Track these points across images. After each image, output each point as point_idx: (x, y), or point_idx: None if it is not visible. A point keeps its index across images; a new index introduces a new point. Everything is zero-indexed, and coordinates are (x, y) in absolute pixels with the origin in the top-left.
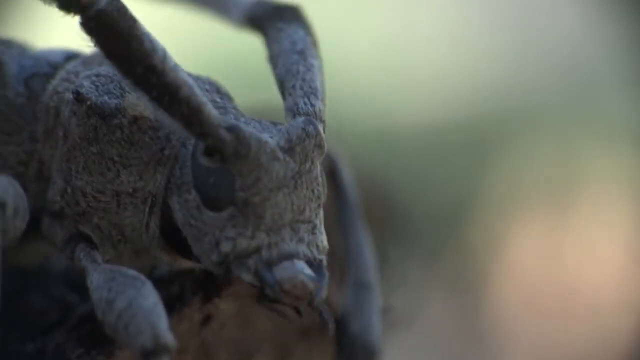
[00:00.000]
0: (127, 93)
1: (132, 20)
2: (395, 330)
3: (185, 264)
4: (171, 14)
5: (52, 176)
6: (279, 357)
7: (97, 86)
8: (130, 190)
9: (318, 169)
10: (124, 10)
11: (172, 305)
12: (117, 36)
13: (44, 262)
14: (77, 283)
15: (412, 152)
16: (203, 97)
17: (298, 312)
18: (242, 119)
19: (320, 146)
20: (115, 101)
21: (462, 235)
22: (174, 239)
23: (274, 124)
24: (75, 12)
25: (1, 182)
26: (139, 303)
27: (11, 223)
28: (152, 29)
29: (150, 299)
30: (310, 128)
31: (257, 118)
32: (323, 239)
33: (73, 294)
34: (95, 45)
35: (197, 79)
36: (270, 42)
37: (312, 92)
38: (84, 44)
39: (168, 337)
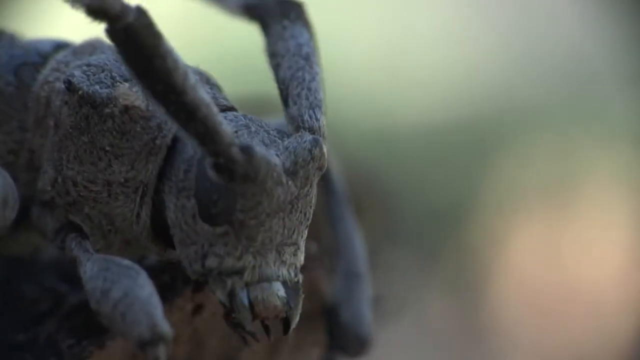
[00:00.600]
0: (118, 82)
1: (158, 37)
2: (387, 320)
3: (175, 254)
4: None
5: (42, 165)
6: (269, 347)
7: (88, 76)
8: (122, 179)
9: (314, 190)
10: (151, 27)
11: (163, 294)
12: (141, 52)
13: (35, 251)
14: (68, 273)
15: (412, 152)
16: (220, 117)
17: (266, 330)
18: (252, 127)
19: (321, 168)
20: (107, 90)
21: (462, 235)
22: (163, 230)
23: (280, 134)
24: (103, 22)
25: None
26: (135, 293)
27: (0, 213)
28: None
29: (146, 288)
30: (316, 151)
31: (261, 121)
32: (302, 258)
33: (64, 284)
34: (118, 54)
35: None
36: (272, 37)
37: (317, 104)
38: (82, 36)
39: (165, 327)
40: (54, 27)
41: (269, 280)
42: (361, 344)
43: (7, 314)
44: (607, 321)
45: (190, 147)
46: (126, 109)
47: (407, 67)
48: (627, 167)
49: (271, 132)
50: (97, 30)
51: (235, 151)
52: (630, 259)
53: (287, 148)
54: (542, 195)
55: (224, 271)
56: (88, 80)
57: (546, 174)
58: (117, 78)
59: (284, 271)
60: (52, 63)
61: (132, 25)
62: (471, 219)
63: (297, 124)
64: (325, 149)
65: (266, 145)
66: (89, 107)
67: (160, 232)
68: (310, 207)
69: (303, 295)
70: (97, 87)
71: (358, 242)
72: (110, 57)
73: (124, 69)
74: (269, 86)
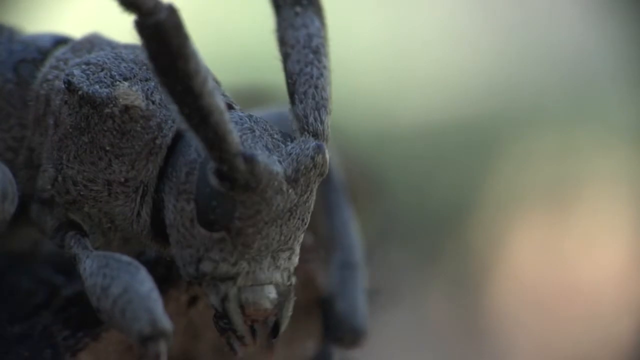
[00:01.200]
0: (117, 82)
1: (185, 38)
2: (382, 312)
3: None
4: None
5: (42, 164)
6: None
7: (87, 75)
8: (122, 179)
9: (314, 196)
10: (180, 27)
11: (159, 286)
12: (167, 51)
13: (33, 246)
14: (64, 265)
15: (412, 151)
16: (230, 125)
17: (253, 333)
18: (256, 130)
19: (322, 174)
20: (106, 90)
21: (462, 235)
22: (163, 229)
23: (284, 137)
24: (134, 14)
25: None
26: (134, 289)
27: (0, 207)
28: None
29: (146, 284)
30: (319, 158)
31: (265, 122)
32: (296, 261)
33: (59, 276)
34: (142, 48)
35: None
36: (283, 22)
37: (323, 104)
38: (83, 30)
39: (165, 322)
40: (54, 21)
41: (261, 284)
42: (356, 334)
43: (3, 306)
44: (607, 321)
45: (194, 150)
46: (126, 108)
47: (407, 67)
48: (627, 167)
49: (275, 135)
50: (96, 24)
51: (239, 161)
52: (630, 259)
53: (290, 154)
54: (542, 195)
55: (217, 276)
56: (88, 79)
57: (546, 174)
58: (117, 77)
59: (277, 275)
60: (50, 60)
61: (162, 22)
62: (471, 218)
63: (302, 126)
64: (327, 156)
65: (269, 150)
66: (89, 107)
67: (160, 230)
68: (309, 212)
69: (295, 298)
70: (97, 86)
71: (354, 232)
72: (109, 55)
73: (123, 67)
74: (266, 73)
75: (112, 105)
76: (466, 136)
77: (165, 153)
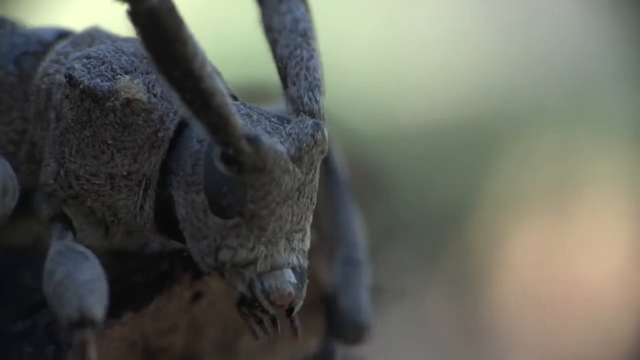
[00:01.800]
0: (118, 75)
1: (179, 22)
2: (385, 310)
3: (177, 243)
4: None
5: (43, 158)
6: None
7: (88, 69)
8: (125, 173)
9: (318, 174)
10: (173, 11)
11: (162, 282)
12: (163, 36)
13: (35, 239)
14: None
15: (413, 152)
16: (232, 107)
17: (274, 323)
18: (253, 115)
19: (323, 152)
20: (108, 84)
21: (463, 235)
22: (167, 222)
23: (281, 120)
24: (126, 2)
25: None
26: (73, 276)
27: (0, 201)
28: None
29: (87, 273)
30: (319, 135)
31: (261, 109)
32: (309, 242)
33: None
34: (138, 37)
35: None
36: (267, 10)
37: (316, 84)
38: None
39: (95, 312)
40: (54, 20)
41: (280, 268)
42: (359, 331)
43: (5, 303)
44: (607, 321)
45: (196, 142)
46: (128, 102)
47: (407, 67)
48: (627, 167)
49: (272, 119)
50: (98, 18)
51: (244, 142)
52: (630, 259)
53: (290, 135)
54: (542, 195)
55: (237, 263)
56: (89, 73)
57: (546, 174)
58: (118, 70)
59: (293, 258)
60: (51, 54)
61: (155, 8)
62: (471, 218)
63: (297, 107)
64: (326, 132)
65: (269, 133)
66: (90, 100)
67: (163, 223)
68: (315, 191)
69: (308, 280)
70: (98, 80)
71: (359, 230)
72: (110, 48)
73: (124, 61)
74: (267, 71)
75: (113, 98)
76: (466, 136)
77: (167, 146)
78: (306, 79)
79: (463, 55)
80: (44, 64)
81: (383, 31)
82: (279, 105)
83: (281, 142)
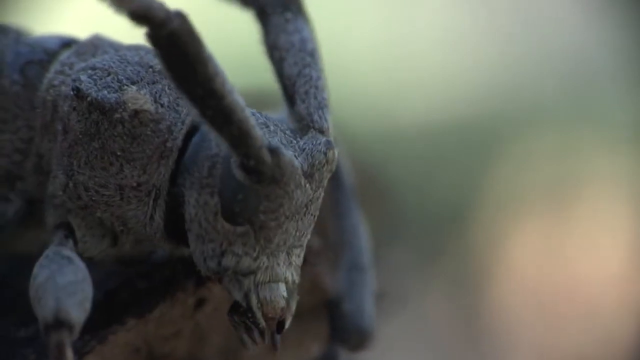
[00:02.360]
0: (125, 86)
1: (200, 43)
2: (388, 315)
3: (187, 251)
4: None
5: (51, 170)
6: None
7: (95, 80)
8: (135, 184)
9: (323, 193)
10: (193, 33)
11: (166, 289)
12: (184, 58)
13: (40, 248)
14: None
15: (413, 152)
16: (252, 119)
17: (262, 334)
18: (270, 126)
19: (331, 171)
20: (115, 95)
21: (463, 235)
22: (176, 230)
23: (294, 133)
24: (146, 27)
25: None
26: (54, 279)
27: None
28: None
29: (68, 277)
30: (330, 154)
31: (275, 119)
32: (302, 258)
33: None
34: (158, 59)
35: None
36: (273, 29)
37: (325, 104)
38: (85, 30)
39: (72, 315)
40: (54, 21)
41: (277, 281)
42: (362, 336)
43: (9, 309)
44: (607, 321)
45: (215, 144)
46: (136, 113)
47: (407, 67)
48: (627, 167)
49: (287, 131)
50: (97, 24)
51: (265, 153)
52: (630, 259)
53: (303, 150)
54: (543, 196)
55: (239, 271)
56: (95, 85)
57: (547, 174)
58: (124, 81)
59: (288, 273)
60: (55, 65)
61: (176, 31)
62: (471, 218)
63: (307, 123)
64: (336, 152)
65: (284, 145)
66: (98, 113)
67: (174, 231)
68: (318, 209)
69: (298, 297)
70: (105, 92)
71: (364, 236)
72: (115, 58)
73: (129, 71)
74: (263, 75)
75: (121, 110)
76: (466, 136)
77: (176, 155)
78: (316, 97)
79: (463, 55)
80: (49, 75)
81: (383, 31)
82: (278, 114)
83: (295, 157)
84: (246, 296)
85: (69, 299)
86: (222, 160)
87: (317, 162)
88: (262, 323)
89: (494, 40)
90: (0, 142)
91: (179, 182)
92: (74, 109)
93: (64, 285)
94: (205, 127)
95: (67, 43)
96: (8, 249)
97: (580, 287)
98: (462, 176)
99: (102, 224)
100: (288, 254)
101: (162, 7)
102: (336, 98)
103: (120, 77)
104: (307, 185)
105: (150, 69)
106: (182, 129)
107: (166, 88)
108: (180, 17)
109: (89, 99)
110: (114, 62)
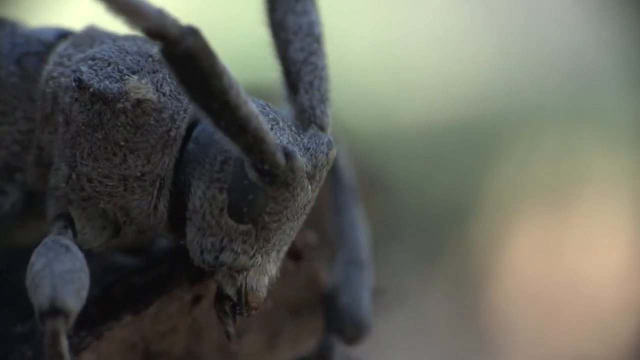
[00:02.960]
0: (126, 76)
1: (214, 57)
2: (386, 312)
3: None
4: None
5: (52, 162)
6: (268, 336)
7: (95, 71)
8: (138, 174)
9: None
10: (207, 48)
11: (163, 285)
12: (199, 73)
13: (39, 239)
14: None
15: (412, 152)
16: (266, 125)
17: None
18: (280, 122)
19: (329, 170)
20: (117, 85)
21: (463, 235)
22: (180, 220)
23: (297, 129)
24: (159, 43)
25: None
26: (51, 267)
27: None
28: None
29: (66, 265)
30: (332, 154)
31: (280, 113)
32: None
33: None
34: (173, 74)
35: None
36: (281, 6)
37: (327, 97)
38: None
39: (68, 302)
40: (56, 14)
41: (264, 275)
42: (358, 328)
43: (6, 305)
44: (607, 321)
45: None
46: (138, 102)
47: (407, 67)
48: (627, 167)
49: (292, 128)
50: (98, 18)
51: (280, 157)
52: (630, 259)
53: (307, 149)
54: (543, 195)
55: (234, 267)
56: (97, 75)
57: (547, 175)
58: (125, 71)
59: (274, 268)
60: (54, 57)
61: (190, 49)
62: (471, 218)
63: (308, 117)
64: (335, 151)
65: (291, 144)
66: (101, 103)
67: (177, 221)
68: (311, 208)
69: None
70: (107, 82)
71: (362, 232)
72: (113, 48)
73: (129, 60)
74: (266, 75)
75: (124, 100)
76: (466, 136)
77: (180, 144)
78: (319, 89)
79: (463, 56)
80: (48, 67)
81: (383, 31)
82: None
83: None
84: (238, 291)
85: (66, 287)
86: (235, 157)
87: (319, 163)
88: (246, 314)
89: (494, 41)
90: None
91: (187, 170)
92: (76, 100)
93: (61, 273)
94: None
95: (63, 34)
96: (5, 243)
97: (580, 287)
98: (462, 176)
99: (103, 216)
100: (278, 252)
101: (176, 24)
102: (336, 98)
103: (120, 67)
104: (309, 186)
105: (150, 58)
106: (185, 117)
107: (167, 77)
108: (194, 33)
109: (91, 89)
110: (113, 52)
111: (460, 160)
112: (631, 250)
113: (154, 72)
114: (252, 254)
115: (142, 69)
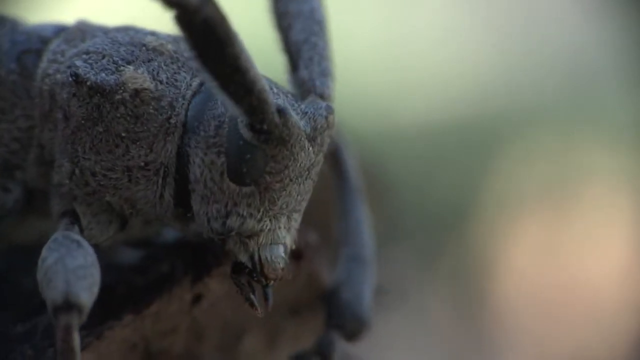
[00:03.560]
0: (122, 67)
1: (229, 25)
2: (387, 311)
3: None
4: None
5: (54, 159)
6: (268, 337)
7: (91, 64)
8: (142, 164)
9: (323, 159)
10: (223, 16)
11: (163, 284)
12: (215, 41)
13: (39, 237)
14: None
15: (412, 152)
16: (267, 85)
17: (266, 296)
18: (274, 88)
19: (331, 136)
20: (113, 77)
21: (463, 234)
22: (186, 207)
23: (294, 98)
24: (179, 12)
25: None
26: (64, 262)
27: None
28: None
29: (79, 260)
30: (332, 118)
31: (275, 82)
32: (298, 225)
33: None
34: (187, 41)
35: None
36: None
37: (328, 72)
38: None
39: (81, 297)
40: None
41: (278, 243)
42: (358, 324)
43: (6, 305)
44: (607, 321)
45: (220, 104)
46: (136, 92)
47: (407, 67)
48: (627, 167)
49: (288, 95)
50: (98, 17)
51: (275, 115)
52: (630, 258)
53: (305, 113)
54: (543, 195)
55: (243, 232)
56: (92, 69)
57: (547, 174)
58: (120, 62)
59: (289, 237)
60: (47, 54)
61: (210, 17)
62: (471, 218)
63: (308, 88)
64: (336, 117)
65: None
66: (99, 96)
67: (183, 209)
68: (317, 174)
69: (289, 262)
70: (104, 74)
71: (367, 231)
72: (106, 41)
73: (123, 51)
74: (266, 75)
75: (121, 91)
76: (466, 136)
77: (182, 131)
78: (319, 64)
79: (463, 56)
80: (42, 64)
81: (383, 31)
82: None
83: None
84: (252, 257)
85: (79, 282)
86: (228, 120)
87: (319, 125)
88: (263, 281)
89: (494, 40)
90: None
91: (184, 141)
92: (74, 95)
93: (74, 268)
94: (209, 88)
95: (63, 30)
96: (5, 242)
97: (580, 287)
98: (462, 176)
99: (109, 210)
100: (288, 218)
101: None
102: (336, 98)
103: (115, 58)
104: (310, 148)
105: (144, 47)
106: (183, 103)
107: (162, 65)
108: (211, 1)
109: (88, 83)
110: (106, 45)
111: (460, 160)
112: (631, 250)
113: (149, 60)
114: (259, 217)
115: (137, 59)
